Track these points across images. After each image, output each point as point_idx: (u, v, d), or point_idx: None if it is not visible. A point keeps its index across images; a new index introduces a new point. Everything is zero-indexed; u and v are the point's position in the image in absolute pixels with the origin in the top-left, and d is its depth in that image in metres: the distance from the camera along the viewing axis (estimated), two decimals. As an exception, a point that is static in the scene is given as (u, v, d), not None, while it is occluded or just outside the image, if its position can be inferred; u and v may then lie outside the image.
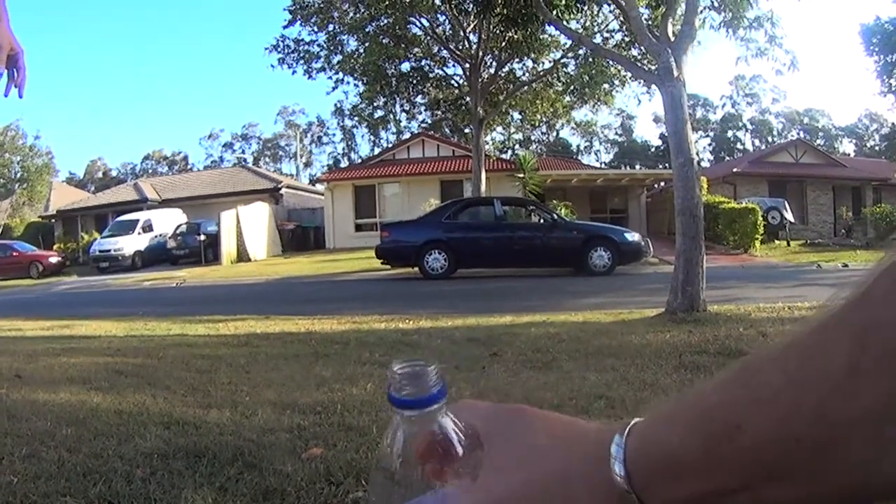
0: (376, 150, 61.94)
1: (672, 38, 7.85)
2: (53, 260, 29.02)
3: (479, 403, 0.52)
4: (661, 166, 51.28)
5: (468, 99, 22.01)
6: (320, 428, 2.72)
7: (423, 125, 31.45)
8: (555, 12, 11.58)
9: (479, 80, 21.00)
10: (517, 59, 21.83)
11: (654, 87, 10.64)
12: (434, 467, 0.49)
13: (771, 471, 0.36)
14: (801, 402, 0.35)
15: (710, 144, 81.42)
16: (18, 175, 27.50)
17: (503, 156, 34.00)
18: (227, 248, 25.36)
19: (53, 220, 37.13)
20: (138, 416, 3.07)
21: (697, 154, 7.51)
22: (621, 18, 14.68)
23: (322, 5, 20.36)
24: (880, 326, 0.33)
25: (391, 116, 26.95)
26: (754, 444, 0.36)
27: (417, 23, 21.17)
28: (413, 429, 0.53)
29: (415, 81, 23.14)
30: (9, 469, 2.30)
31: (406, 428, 0.53)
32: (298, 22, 20.75)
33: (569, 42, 18.73)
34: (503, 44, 19.75)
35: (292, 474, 2.14)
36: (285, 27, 21.02)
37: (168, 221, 29.55)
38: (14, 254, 28.97)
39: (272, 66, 21.81)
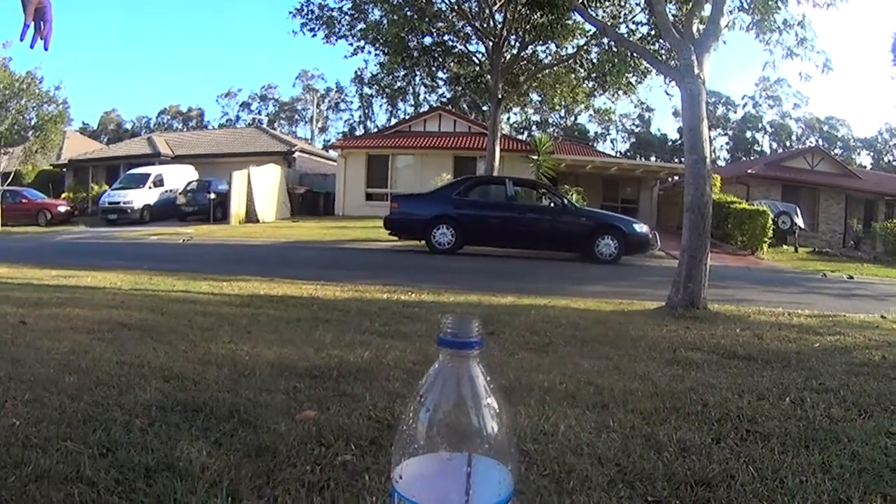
0: (393, 121, 61.86)
1: (696, 36, 7.82)
2: (62, 209, 29.25)
3: None
4: (676, 160, 51.04)
5: (488, 77, 21.84)
6: (315, 391, 2.78)
7: (442, 99, 31.31)
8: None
9: (502, 59, 20.85)
10: (541, 42, 21.65)
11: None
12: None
13: None
14: None
15: (727, 143, 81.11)
16: (33, 122, 27.51)
17: (519, 136, 33.79)
18: (237, 207, 25.46)
19: (64, 170, 37.15)
20: (139, 369, 3.13)
21: (714, 152, 7.52)
22: (648, 10, 14.57)
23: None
24: None
25: (410, 89, 26.83)
26: None
27: (443, -3, 20.98)
28: (451, 366, 0.70)
29: (436, 55, 22.95)
30: (12, 412, 2.36)
31: (445, 364, 0.70)
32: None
33: (593, 29, 18.60)
34: (528, 26, 19.61)
35: (285, 434, 2.20)
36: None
37: (179, 177, 29.64)
38: (23, 201, 29.16)
39: (294, 31, 21.57)
